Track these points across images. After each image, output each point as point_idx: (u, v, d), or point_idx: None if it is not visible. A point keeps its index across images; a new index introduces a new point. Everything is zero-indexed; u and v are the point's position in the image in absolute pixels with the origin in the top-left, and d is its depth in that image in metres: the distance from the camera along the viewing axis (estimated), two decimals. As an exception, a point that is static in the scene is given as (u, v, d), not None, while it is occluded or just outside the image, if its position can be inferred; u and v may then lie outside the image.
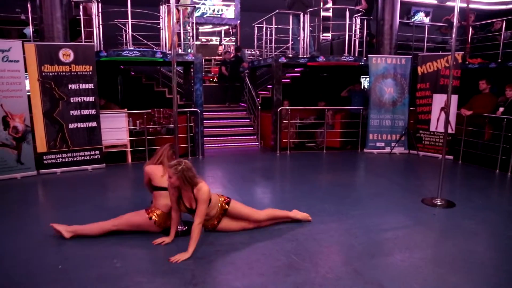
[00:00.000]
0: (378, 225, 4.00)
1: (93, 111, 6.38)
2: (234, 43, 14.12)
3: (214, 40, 16.47)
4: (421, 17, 14.01)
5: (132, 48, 6.60)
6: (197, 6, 10.94)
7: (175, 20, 4.01)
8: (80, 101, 6.26)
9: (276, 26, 8.42)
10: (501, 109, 6.55)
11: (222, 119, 9.49)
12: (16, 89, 5.78)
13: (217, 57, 14.76)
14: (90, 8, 6.78)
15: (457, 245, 3.54)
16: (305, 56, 8.00)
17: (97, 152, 6.47)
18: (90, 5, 6.84)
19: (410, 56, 8.01)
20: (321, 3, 9.11)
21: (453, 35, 4.67)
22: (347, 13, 7.62)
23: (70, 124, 6.22)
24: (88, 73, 6.26)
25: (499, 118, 6.46)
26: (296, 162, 7.32)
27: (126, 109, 7.10)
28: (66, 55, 6.08)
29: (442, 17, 10.20)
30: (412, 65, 7.92)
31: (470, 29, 8.54)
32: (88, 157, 6.40)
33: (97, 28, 6.69)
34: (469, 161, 6.98)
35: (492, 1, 11.91)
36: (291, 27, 8.10)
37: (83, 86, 6.25)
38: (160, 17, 7.02)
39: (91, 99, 6.34)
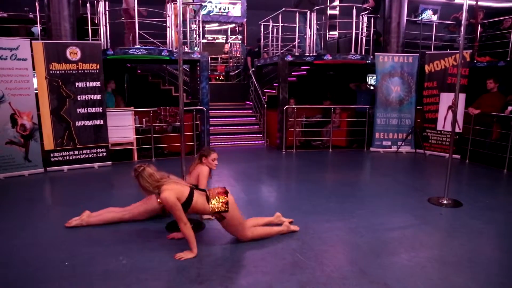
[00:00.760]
0: (384, 224, 3.99)
1: (100, 109, 6.42)
2: (240, 42, 14.11)
3: (221, 38, 16.48)
4: (429, 15, 13.90)
5: (138, 46, 6.62)
6: (203, 4, 10.95)
7: (181, 19, 4.02)
8: (87, 99, 6.30)
9: (282, 24, 8.39)
10: (510, 108, 6.49)
11: (228, 117, 9.50)
12: (24, 87, 5.83)
13: (223, 55, 14.78)
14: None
15: (463, 245, 3.51)
16: (311, 55, 7.97)
17: (104, 150, 6.51)
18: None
19: (418, 55, 7.95)
20: (328, 1, 9.06)
21: (461, 33, 4.62)
22: (354, 11, 7.58)
23: (77, 122, 6.26)
24: (95, 71, 6.30)
25: (507, 117, 6.39)
26: (301, 161, 7.31)
27: (132, 107, 7.14)
28: (73, 53, 6.12)
29: (450, 15, 10.09)
30: (419, 63, 7.86)
31: (479, 27, 8.45)
32: (94, 155, 6.44)
33: (104, 27, 6.72)
34: (477, 161, 6.92)
35: (501, -1, 11.76)
36: (297, 25, 8.08)
37: (90, 84, 6.29)
38: (167, 15, 7.04)
39: (98, 97, 6.38)
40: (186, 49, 7.60)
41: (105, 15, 6.69)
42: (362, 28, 7.98)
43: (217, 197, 3.28)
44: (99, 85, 6.35)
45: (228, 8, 11.97)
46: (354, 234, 3.73)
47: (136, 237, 3.61)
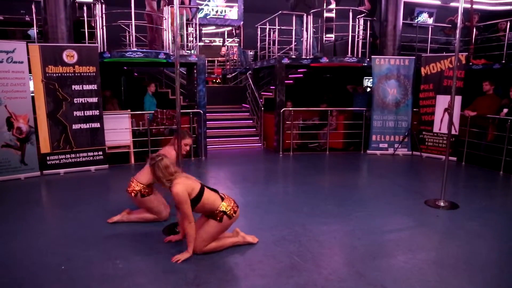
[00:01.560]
0: (381, 227, 3.99)
1: (97, 112, 6.40)
2: (237, 44, 14.15)
3: (217, 41, 16.52)
4: (424, 18, 13.99)
5: (135, 49, 6.62)
6: (200, 7, 10.97)
7: (178, 22, 4.02)
8: (83, 102, 6.29)
9: (279, 27, 8.42)
10: (505, 110, 6.53)
11: (225, 120, 9.50)
12: (20, 90, 5.81)
13: (220, 58, 14.81)
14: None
15: (460, 247, 3.53)
16: (308, 57, 8.00)
17: (100, 153, 6.49)
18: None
19: (414, 57, 7.99)
20: (324, 4, 9.10)
21: (457, 36, 4.65)
22: (350, 14, 7.61)
23: (73, 125, 6.24)
24: (92, 74, 6.29)
25: (503, 120, 6.43)
26: (298, 163, 7.32)
27: (129, 110, 7.13)
28: (70, 56, 6.11)
29: (445, 18, 10.17)
30: (415, 66, 7.90)
31: (474, 30, 8.51)
32: (91, 158, 6.42)
33: (101, 29, 6.72)
34: (473, 163, 6.95)
35: (496, 2, 11.87)
36: (294, 28, 8.10)
37: (86, 87, 6.28)
38: (164, 18, 7.04)
39: (95, 100, 6.36)
40: (183, 52, 7.60)
41: (102, 18, 6.68)
42: (358, 31, 8.01)
43: (229, 201, 3.31)
44: (95, 88, 6.34)
45: (225, 11, 12.00)
46: (351, 237, 3.74)
47: (133, 241, 3.60)
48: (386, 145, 8.03)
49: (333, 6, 8.87)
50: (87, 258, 3.23)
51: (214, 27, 15.07)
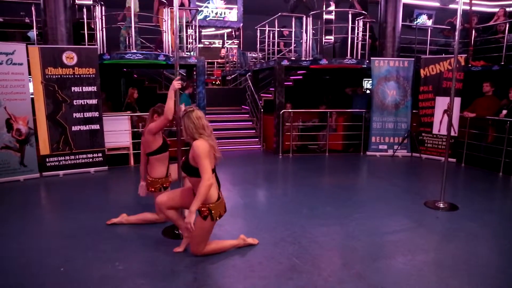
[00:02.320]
0: (381, 228, 3.99)
1: (96, 114, 6.40)
2: (236, 46, 14.17)
3: (217, 43, 16.54)
4: (423, 20, 14.03)
5: (135, 51, 6.63)
6: (199, 9, 10.98)
7: (177, 23, 4.03)
8: (83, 103, 6.29)
9: (278, 29, 8.43)
10: (504, 111, 6.53)
11: (224, 121, 9.50)
12: (20, 91, 5.82)
13: (219, 60, 14.82)
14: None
15: (460, 248, 3.53)
16: (307, 59, 8.01)
17: (100, 154, 6.49)
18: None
19: (413, 59, 8.00)
20: (324, 6, 9.13)
21: (456, 38, 4.67)
22: (350, 16, 7.63)
23: (73, 127, 6.24)
24: (91, 75, 6.29)
25: (502, 121, 6.44)
26: (298, 165, 7.32)
27: (129, 112, 7.12)
28: (69, 58, 6.11)
29: (444, 20, 10.18)
30: (414, 67, 7.92)
31: (473, 31, 8.53)
32: (90, 160, 6.42)
33: (100, 31, 6.73)
34: (472, 164, 6.95)
35: (494, 4, 11.90)
36: (293, 30, 8.11)
37: (86, 88, 6.28)
38: (163, 20, 7.05)
39: (94, 101, 6.37)
40: (183, 54, 7.61)
41: (102, 19, 6.70)
42: (357, 33, 8.03)
43: (221, 205, 3.16)
44: (95, 90, 6.34)
45: (224, 13, 12.03)
46: (351, 238, 3.73)
47: (132, 243, 3.59)
48: (385, 147, 8.03)
49: (332, 8, 8.90)
50: (86, 260, 3.23)
51: (213, 29, 15.09)
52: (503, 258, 3.40)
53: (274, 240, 3.64)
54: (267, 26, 8.80)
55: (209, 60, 14.05)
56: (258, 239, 3.61)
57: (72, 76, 6.16)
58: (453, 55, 4.89)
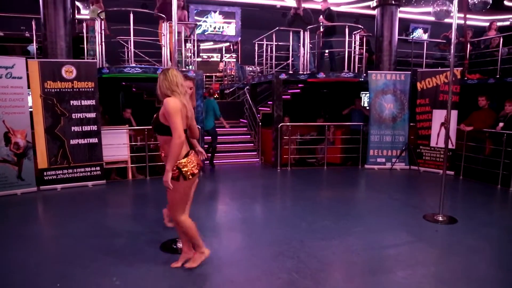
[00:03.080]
0: (380, 242, 3.97)
1: (95, 127, 6.40)
2: (235, 60, 14.28)
3: (215, 57, 16.67)
4: (419, 34, 14.22)
5: (134, 65, 6.67)
6: (198, 23, 11.11)
7: (176, 38, 4.06)
8: (81, 117, 6.29)
9: (276, 43, 8.52)
10: (501, 124, 6.57)
11: (223, 135, 9.50)
12: (19, 105, 5.83)
13: (218, 74, 14.92)
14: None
15: (459, 262, 3.50)
16: (305, 73, 8.07)
17: (98, 168, 6.47)
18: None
19: (410, 72, 8.08)
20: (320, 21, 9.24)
21: (452, 51, 4.72)
22: (347, 30, 7.72)
23: (71, 140, 6.23)
24: (90, 89, 6.32)
25: (499, 133, 6.47)
26: (296, 178, 7.31)
27: (127, 125, 7.13)
28: (68, 71, 6.14)
29: (440, 34, 10.32)
30: (411, 81, 7.98)
31: (468, 45, 8.65)
32: (88, 173, 6.39)
33: (100, 45, 6.78)
34: (470, 177, 6.96)
35: (489, 19, 12.07)
36: (291, 44, 8.20)
37: (85, 102, 6.29)
38: (162, 34, 7.12)
39: (93, 115, 6.38)
40: (181, 68, 7.66)
41: (101, 34, 6.76)
42: (354, 47, 8.12)
43: (191, 160, 2.99)
44: (94, 103, 6.36)
45: (222, 27, 12.17)
46: (350, 252, 3.71)
47: (130, 257, 3.56)
48: (383, 160, 8.04)
49: (324, 23, 9.01)
50: (83, 276, 3.19)
51: (212, 43, 15.23)
52: (502, 271, 3.38)
53: (273, 254, 3.61)
54: (264, 40, 8.89)
55: (208, 74, 14.14)
56: (256, 253, 3.59)
57: (71, 89, 6.18)
58: (449, 69, 4.94)
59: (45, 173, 6.09)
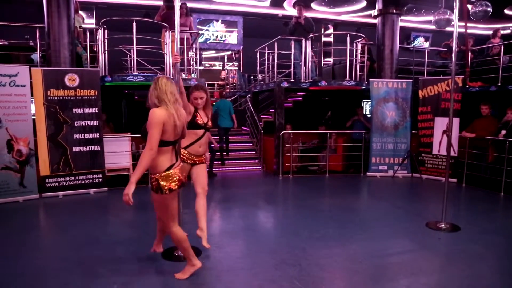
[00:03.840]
0: (382, 250, 3.94)
1: (97, 135, 6.43)
2: (236, 68, 14.37)
3: (217, 65, 16.77)
4: (420, 42, 14.26)
5: (136, 73, 6.71)
6: (200, 32, 11.19)
7: (179, 46, 4.10)
8: (84, 125, 6.32)
9: (278, 52, 8.56)
10: (503, 131, 6.57)
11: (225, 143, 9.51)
12: (22, 113, 5.86)
13: (220, 82, 14.99)
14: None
15: (463, 270, 3.48)
16: (307, 81, 8.10)
17: (100, 175, 6.47)
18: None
19: (411, 80, 8.10)
20: (322, 29, 9.31)
21: (453, 59, 4.74)
22: (348, 38, 7.77)
23: (73, 148, 6.25)
24: (93, 97, 6.35)
25: (501, 141, 6.46)
26: (298, 186, 7.29)
27: (129, 133, 7.15)
28: (71, 80, 6.19)
29: (441, 42, 10.37)
30: (413, 89, 8.00)
31: (469, 53, 8.67)
32: (90, 181, 6.40)
33: (103, 54, 6.84)
34: (473, 184, 6.93)
35: (489, 27, 12.12)
36: (293, 52, 8.24)
37: (87, 110, 6.33)
38: (164, 43, 7.17)
39: (95, 123, 6.40)
40: (184, 76, 7.70)
41: (104, 42, 6.82)
42: (356, 55, 8.16)
43: (172, 176, 2.95)
44: (96, 111, 6.39)
45: (225, 36, 12.25)
46: (353, 260, 3.68)
47: (131, 266, 3.54)
48: (385, 167, 8.02)
49: (331, 31, 9.07)
50: (85, 283, 3.17)
51: (214, 51, 15.33)
52: (506, 279, 3.35)
53: (275, 262, 3.59)
54: (266, 48, 8.94)
55: (210, 82, 14.21)
56: (258, 261, 3.57)
57: (73, 97, 6.22)
58: (450, 77, 4.95)
59: (47, 180, 6.10)
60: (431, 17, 6.30)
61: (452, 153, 6.64)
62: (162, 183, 2.90)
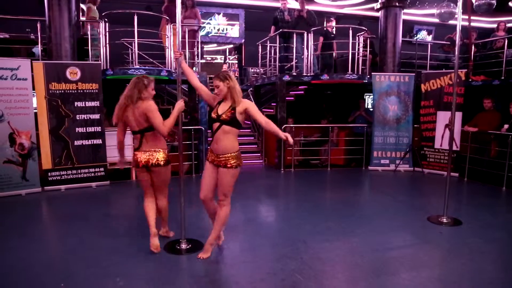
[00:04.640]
0: (384, 244, 3.95)
1: (99, 128, 6.43)
2: (237, 62, 14.31)
3: (219, 59, 16.71)
4: (423, 35, 14.17)
5: (138, 66, 6.69)
6: (202, 25, 11.13)
7: (180, 39, 4.08)
8: (85, 118, 6.32)
9: (280, 45, 8.52)
10: (506, 126, 6.54)
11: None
12: (24, 106, 5.86)
13: (221, 75, 14.91)
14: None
15: (464, 264, 3.48)
16: (309, 74, 8.07)
17: (102, 169, 6.49)
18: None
19: (414, 74, 8.06)
20: (325, 22, 9.24)
21: (456, 53, 4.71)
22: (350, 32, 7.72)
23: (75, 141, 6.26)
24: (94, 91, 6.35)
25: (504, 135, 6.44)
26: (300, 180, 7.30)
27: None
28: (73, 73, 6.18)
29: (444, 35, 10.29)
30: (415, 82, 7.96)
31: (473, 47, 8.61)
32: (92, 174, 6.42)
33: (104, 47, 6.81)
34: (475, 178, 6.92)
35: (493, 20, 12.03)
36: (295, 45, 8.20)
37: (89, 103, 6.32)
38: (166, 36, 7.14)
39: (97, 116, 6.40)
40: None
41: (105, 36, 6.79)
42: (358, 49, 8.11)
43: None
44: (98, 105, 6.39)
45: (226, 29, 12.19)
46: (354, 254, 3.69)
47: (133, 258, 3.56)
48: (387, 161, 8.01)
49: (333, 24, 9.01)
50: (87, 275, 3.20)
51: (215, 44, 15.26)
52: (508, 274, 3.35)
53: (276, 256, 3.60)
54: (268, 42, 8.89)
55: (211, 76, 14.16)
56: (259, 254, 3.58)
57: (75, 91, 6.21)
58: (453, 70, 4.92)
59: (49, 174, 6.11)
60: (434, 10, 6.25)
61: (454, 147, 6.62)
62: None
